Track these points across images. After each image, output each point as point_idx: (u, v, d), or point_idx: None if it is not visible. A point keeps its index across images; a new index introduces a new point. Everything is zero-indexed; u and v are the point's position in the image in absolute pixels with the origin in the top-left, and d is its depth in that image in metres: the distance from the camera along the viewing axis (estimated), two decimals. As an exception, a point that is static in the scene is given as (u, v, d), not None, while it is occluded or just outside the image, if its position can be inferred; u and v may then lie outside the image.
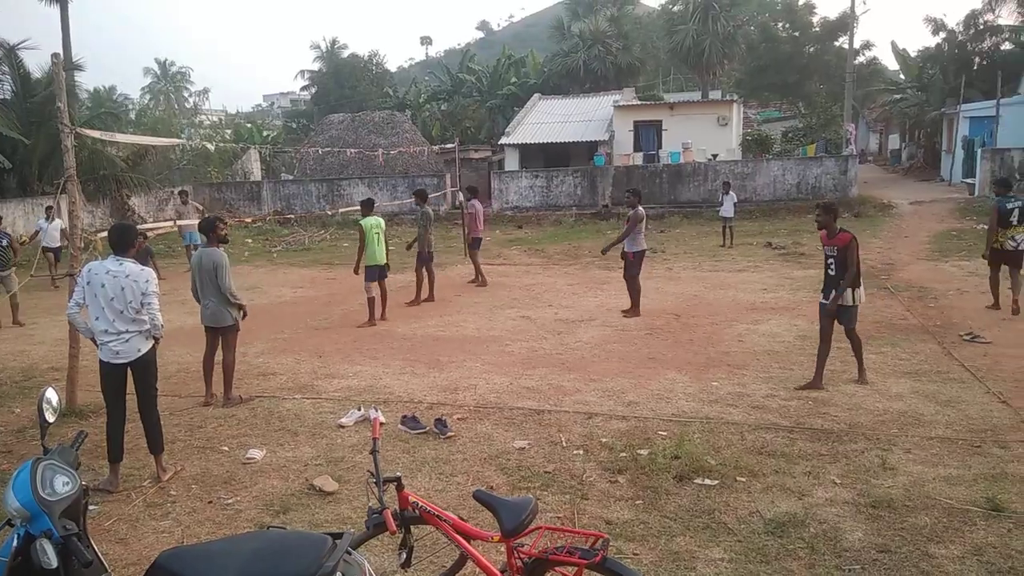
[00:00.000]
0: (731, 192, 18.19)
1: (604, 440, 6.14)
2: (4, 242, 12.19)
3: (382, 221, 11.51)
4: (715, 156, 25.94)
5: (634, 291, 11.18)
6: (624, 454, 5.81)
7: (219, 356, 7.61)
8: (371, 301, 11.06)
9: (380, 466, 3.39)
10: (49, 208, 16.35)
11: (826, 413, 6.66)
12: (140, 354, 5.54)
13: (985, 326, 9.46)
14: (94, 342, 5.60)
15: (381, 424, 6.45)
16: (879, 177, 33.00)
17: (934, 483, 5.20)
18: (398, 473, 3.57)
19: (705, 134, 27.04)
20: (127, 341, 5.47)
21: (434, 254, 12.85)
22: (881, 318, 10.28)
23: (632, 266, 11.15)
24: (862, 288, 7.48)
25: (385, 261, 11.27)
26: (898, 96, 37.97)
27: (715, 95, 37.98)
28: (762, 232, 19.43)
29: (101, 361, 5.55)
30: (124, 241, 5.58)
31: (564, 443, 6.11)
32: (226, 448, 6.31)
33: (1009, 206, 10.14)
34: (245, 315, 7.62)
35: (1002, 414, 6.51)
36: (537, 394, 7.47)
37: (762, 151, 26.86)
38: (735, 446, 5.94)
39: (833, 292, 7.37)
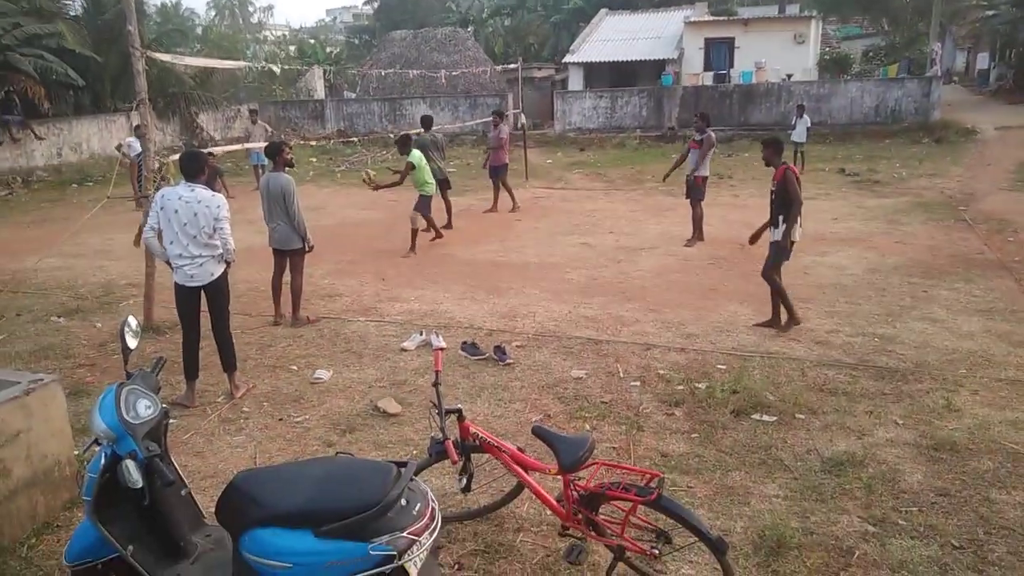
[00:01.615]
0: (805, 115, 17.46)
1: (662, 372, 6.17)
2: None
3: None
4: (790, 76, 24.84)
5: (698, 217, 11.02)
6: (681, 387, 5.84)
7: (288, 277, 7.84)
8: (414, 231, 10.86)
9: (442, 399, 3.50)
10: (138, 127, 16.65)
11: (892, 351, 6.53)
12: (213, 278, 5.74)
13: (1069, 263, 9.04)
14: (169, 265, 5.81)
15: (443, 351, 6.64)
16: (964, 99, 31.18)
17: (1000, 427, 5.10)
18: (459, 405, 3.67)
19: (780, 52, 25.83)
20: (201, 265, 5.66)
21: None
22: (956, 251, 9.91)
23: (699, 191, 10.95)
24: (797, 225, 7.15)
25: (437, 181, 11.47)
26: (990, 12, 35.42)
27: (792, 10, 36.03)
28: (835, 157, 18.70)
29: (176, 284, 5.78)
30: (194, 167, 5.71)
31: (622, 374, 6.16)
32: (295, 367, 6.56)
33: None
34: (311, 248, 7.75)
35: (1079, 358, 6.29)
36: (596, 323, 7.51)
37: (840, 71, 25.60)
38: (795, 382, 5.90)
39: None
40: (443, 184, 12.26)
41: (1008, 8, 33.08)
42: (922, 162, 17.58)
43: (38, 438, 4.20)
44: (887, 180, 15.58)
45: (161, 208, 5.66)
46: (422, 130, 12.69)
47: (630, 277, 9.33)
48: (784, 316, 7.22)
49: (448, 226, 12.25)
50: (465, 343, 6.75)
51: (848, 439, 4.97)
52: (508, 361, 6.41)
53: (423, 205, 10.92)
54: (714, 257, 10.06)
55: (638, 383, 5.98)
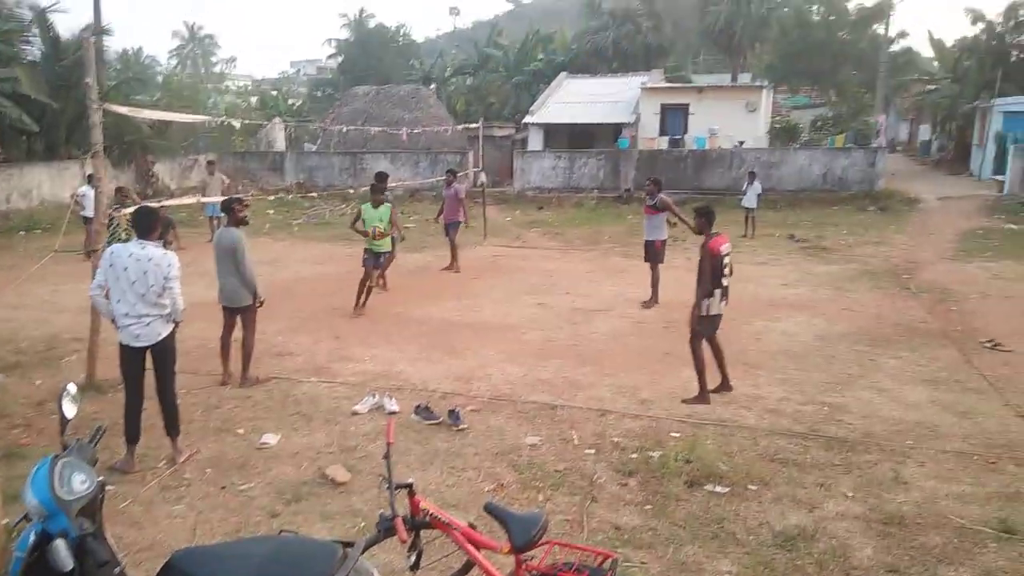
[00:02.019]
0: (756, 182, 17.98)
1: (616, 439, 6.16)
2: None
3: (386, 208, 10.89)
4: (742, 143, 25.63)
5: (656, 280, 11.19)
6: (636, 455, 5.82)
7: (239, 335, 7.68)
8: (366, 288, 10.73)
9: (392, 472, 3.42)
10: (91, 176, 16.31)
11: (841, 420, 6.63)
12: (160, 338, 5.60)
13: (1007, 333, 9.33)
14: (115, 324, 5.66)
15: (395, 414, 6.54)
16: (907, 169, 32.47)
17: (947, 500, 5.17)
18: (410, 480, 3.59)
19: (732, 119, 26.69)
20: (148, 325, 5.53)
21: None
22: (901, 320, 10.18)
23: (658, 254, 11.13)
24: (715, 299, 7.03)
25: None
26: (931, 87, 37.24)
27: (744, 79, 37.52)
28: (785, 223, 19.21)
29: (121, 344, 5.62)
30: (147, 225, 5.62)
31: (576, 441, 6.13)
32: (241, 431, 6.39)
33: None
34: (261, 304, 7.64)
35: (1020, 429, 6.45)
36: (551, 387, 7.49)
37: (790, 139, 26.50)
38: (748, 452, 5.93)
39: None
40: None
41: (947, 84, 34.82)
42: (868, 230, 18.16)
43: (-37, 507, 3.98)
44: (834, 247, 16.02)
45: (110, 265, 5.54)
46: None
47: (586, 339, 9.36)
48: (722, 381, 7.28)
49: (381, 285, 11.72)
50: (419, 407, 6.67)
51: (799, 512, 4.99)
52: (462, 426, 6.34)
53: (370, 261, 10.76)
54: (669, 320, 10.15)
55: (593, 451, 5.95)
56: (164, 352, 5.70)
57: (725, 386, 7.28)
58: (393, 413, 6.63)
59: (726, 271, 7.10)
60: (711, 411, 6.84)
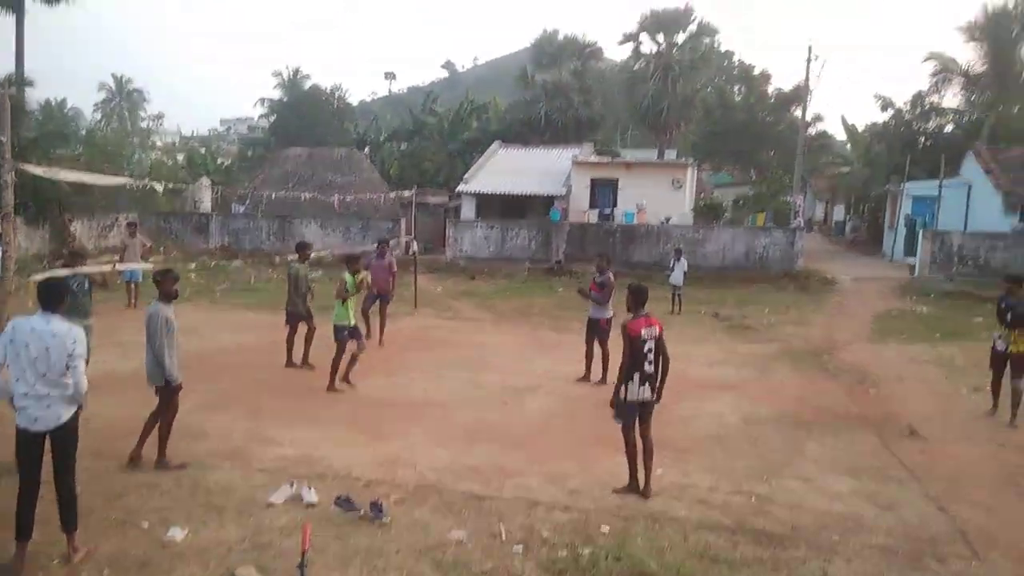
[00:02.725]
0: (682, 259, 18.40)
1: (545, 535, 5.98)
2: (86, 285, 9.76)
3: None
4: (668, 219, 26.35)
5: (590, 357, 11.26)
6: (565, 553, 5.65)
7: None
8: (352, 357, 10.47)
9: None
10: None
11: (768, 512, 6.62)
12: (60, 421, 5.23)
13: (923, 419, 9.60)
14: (12, 405, 5.26)
15: (313, 505, 6.21)
16: (823, 248, 33.88)
17: (873, 600, 5.15)
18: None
19: (659, 195, 27.50)
20: (48, 407, 5.16)
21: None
22: (822, 403, 10.38)
23: (604, 333, 11.12)
24: (632, 383, 6.82)
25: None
26: (845, 169, 39.30)
27: (671, 155, 38.84)
28: (710, 301, 19.64)
29: (17, 427, 5.22)
30: (53, 298, 5.29)
31: (504, 536, 5.92)
32: (146, 524, 5.95)
33: (1003, 305, 9.79)
34: (177, 387, 7.26)
35: (940, 522, 6.55)
36: (479, 475, 7.28)
37: (714, 217, 27.39)
38: (678, 548, 5.83)
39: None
40: (301, 317, 11.61)
41: (860, 167, 36.80)
42: (789, 309, 18.72)
43: None
44: (757, 326, 16.41)
45: (11, 340, 5.18)
46: (295, 256, 12.03)
47: (516, 420, 9.22)
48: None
49: (304, 363, 11.58)
50: (339, 497, 6.36)
51: (730, 616, 4.89)
52: (384, 520, 6.06)
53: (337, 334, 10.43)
54: (600, 401, 10.01)
55: (520, 547, 5.75)
56: (65, 437, 5.31)
57: (644, 490, 6.84)
58: (311, 505, 6.31)
59: (649, 355, 6.85)
60: (642, 502, 6.74)
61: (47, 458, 5.35)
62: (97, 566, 5.28)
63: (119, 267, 12.87)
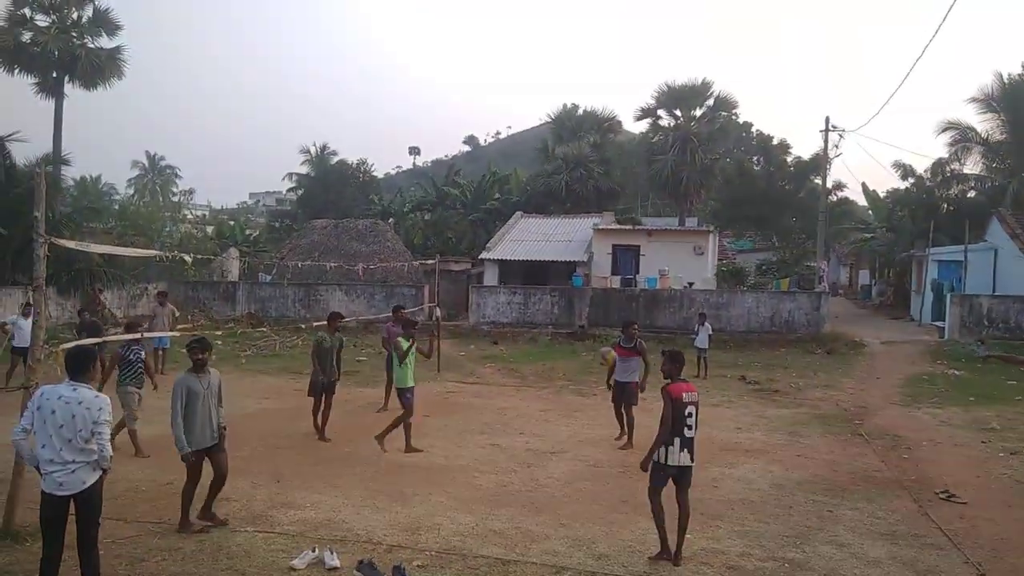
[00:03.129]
0: (706, 323, 18.31)
1: (571, 600, 5.81)
2: (141, 355, 10.37)
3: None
4: (691, 284, 26.34)
5: (620, 416, 11.28)
6: (592, 619, 5.48)
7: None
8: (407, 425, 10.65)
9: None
10: (27, 305, 15.76)
11: (803, 578, 6.39)
12: (85, 486, 5.23)
13: (959, 483, 9.32)
14: (38, 471, 5.29)
15: (335, 569, 6.12)
16: (850, 312, 33.57)
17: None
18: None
19: (681, 261, 27.57)
20: (73, 472, 5.17)
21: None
22: (855, 468, 10.12)
23: (634, 396, 11.16)
24: (673, 447, 6.67)
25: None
26: (868, 235, 39.22)
27: (692, 222, 39.03)
28: (736, 364, 19.44)
29: (43, 492, 5.23)
30: (81, 365, 5.37)
31: (529, 602, 5.77)
32: (167, 588, 5.89)
33: None
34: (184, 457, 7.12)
35: (983, 589, 6.29)
36: (503, 539, 7.14)
37: (737, 282, 27.31)
38: (709, 614, 5.63)
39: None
40: (329, 387, 11.38)
41: (883, 232, 36.72)
42: (816, 373, 18.44)
43: None
44: (785, 390, 16.16)
45: (38, 408, 5.24)
46: (324, 333, 11.61)
47: (540, 484, 9.07)
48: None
49: (320, 435, 11.17)
50: (362, 562, 6.25)
51: None
52: (408, 584, 5.94)
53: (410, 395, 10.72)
54: (625, 465, 9.92)
55: (546, 614, 5.59)
56: (89, 501, 5.31)
57: (675, 556, 6.60)
58: (334, 569, 6.20)
59: (689, 420, 6.75)
60: (672, 568, 6.55)
61: (71, 521, 5.34)
62: (117, 630, 5.20)
63: (147, 335, 13.00)
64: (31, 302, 15.13)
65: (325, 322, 11.99)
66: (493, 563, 6.53)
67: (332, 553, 6.44)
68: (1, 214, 21.09)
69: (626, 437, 11.12)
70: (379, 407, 13.38)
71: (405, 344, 10.67)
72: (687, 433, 6.71)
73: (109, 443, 5.31)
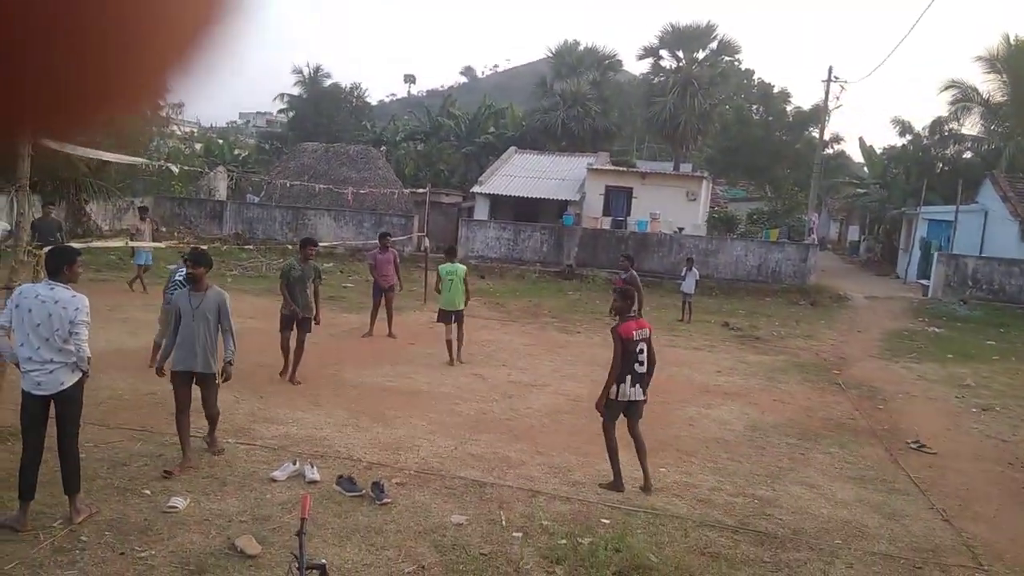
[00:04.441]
0: (694, 268, 18.35)
1: (545, 523, 5.94)
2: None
3: (460, 268, 11.91)
4: (681, 229, 26.30)
5: None
6: (564, 541, 5.61)
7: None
8: (448, 343, 11.51)
9: (305, 550, 3.18)
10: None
11: (771, 515, 6.55)
12: (63, 387, 5.23)
13: (931, 435, 9.52)
14: (18, 367, 5.29)
15: (315, 483, 6.21)
16: (837, 266, 33.75)
17: (874, 604, 5.09)
18: (323, 560, 3.35)
19: (673, 206, 27.46)
20: (51, 372, 5.16)
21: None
22: (830, 415, 10.30)
23: None
24: (624, 384, 6.78)
25: (456, 307, 11.62)
26: (861, 191, 39.18)
27: (686, 168, 38.76)
28: (720, 311, 19.59)
29: (22, 391, 5.23)
30: (57, 265, 5.31)
31: (504, 522, 5.89)
32: (148, 492, 5.96)
33: None
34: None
35: (944, 534, 6.47)
36: (481, 463, 7.26)
37: (727, 230, 27.32)
38: (678, 543, 5.78)
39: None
40: (301, 323, 9.96)
41: (876, 189, 36.68)
42: (799, 323, 18.62)
43: None
44: (767, 337, 16.33)
45: (16, 306, 5.20)
46: (294, 260, 10.40)
47: (520, 414, 9.19)
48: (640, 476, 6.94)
49: (291, 373, 9.87)
50: (341, 477, 6.34)
51: (729, 610, 4.84)
52: (385, 500, 6.03)
53: (440, 316, 11.70)
54: (604, 401, 10.06)
55: (520, 534, 5.71)
56: (67, 402, 5.32)
57: (644, 486, 6.82)
58: (313, 482, 6.29)
59: (640, 356, 6.84)
60: (644, 498, 6.70)
61: (52, 424, 5.36)
62: (98, 529, 5.28)
63: (132, 244, 12.91)
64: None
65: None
66: (470, 484, 6.65)
67: (312, 467, 6.52)
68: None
69: None
70: (364, 332, 13.42)
71: (447, 268, 11.62)
72: (638, 369, 6.83)
73: (86, 344, 5.27)
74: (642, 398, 6.95)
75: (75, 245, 8.65)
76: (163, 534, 5.26)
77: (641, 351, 6.84)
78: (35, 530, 5.17)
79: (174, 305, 6.91)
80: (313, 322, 10.16)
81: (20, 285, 5.64)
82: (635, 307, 7.23)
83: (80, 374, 5.35)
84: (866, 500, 7.13)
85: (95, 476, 6.09)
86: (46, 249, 6.30)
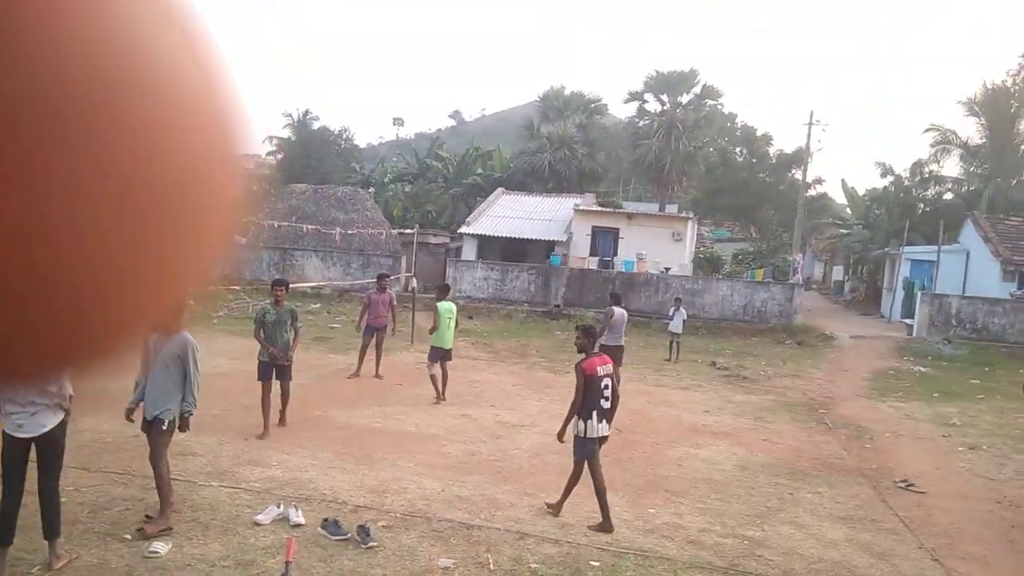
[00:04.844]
0: (681, 308, 18.44)
1: (534, 566, 5.87)
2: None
3: (454, 307, 12.48)
4: (668, 269, 26.46)
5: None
6: (553, 585, 5.54)
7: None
8: (432, 379, 11.76)
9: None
10: None
11: (761, 556, 6.51)
12: (45, 429, 5.16)
13: (919, 474, 9.52)
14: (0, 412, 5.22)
15: (300, 526, 6.12)
16: (822, 306, 33.98)
17: (866, 646, 5.04)
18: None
19: (659, 246, 27.65)
20: (32, 415, 5.10)
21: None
22: (819, 454, 10.29)
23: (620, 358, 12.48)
24: (592, 421, 6.80)
25: (450, 346, 12.02)
26: (844, 231, 39.64)
27: (672, 209, 39.17)
28: (708, 350, 19.64)
29: (3, 434, 5.16)
30: None
31: (492, 566, 5.82)
32: (129, 536, 5.85)
33: None
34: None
35: (934, 573, 6.45)
36: (469, 505, 7.18)
37: (713, 269, 27.50)
38: (668, 586, 5.72)
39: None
40: (281, 371, 9.47)
41: (859, 229, 37.13)
42: (786, 362, 18.68)
43: None
44: (754, 377, 16.36)
45: None
46: (268, 304, 9.77)
47: (508, 455, 9.12)
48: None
49: (280, 421, 9.55)
50: (326, 520, 6.25)
51: (720, 654, 4.77)
52: (371, 544, 5.95)
53: (432, 355, 11.83)
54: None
55: (508, 577, 5.64)
56: (50, 445, 5.25)
57: (604, 524, 6.74)
58: (298, 525, 6.21)
59: (605, 392, 6.94)
60: (633, 539, 6.64)
61: (33, 467, 5.28)
62: (78, 575, 5.17)
63: None
64: None
65: (307, 283, 11.83)
66: (457, 527, 6.57)
67: (297, 510, 6.43)
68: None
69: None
70: (351, 373, 13.35)
71: (444, 305, 11.99)
72: (603, 404, 6.93)
73: (69, 383, 5.22)
74: (607, 432, 7.06)
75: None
76: (144, 580, 5.16)
77: (606, 386, 6.96)
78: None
79: (144, 347, 6.63)
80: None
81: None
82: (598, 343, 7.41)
83: (63, 414, 5.29)
84: (855, 539, 7.09)
85: (75, 520, 5.98)
86: None
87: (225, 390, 11.29)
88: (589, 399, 6.82)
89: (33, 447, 5.23)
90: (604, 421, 6.93)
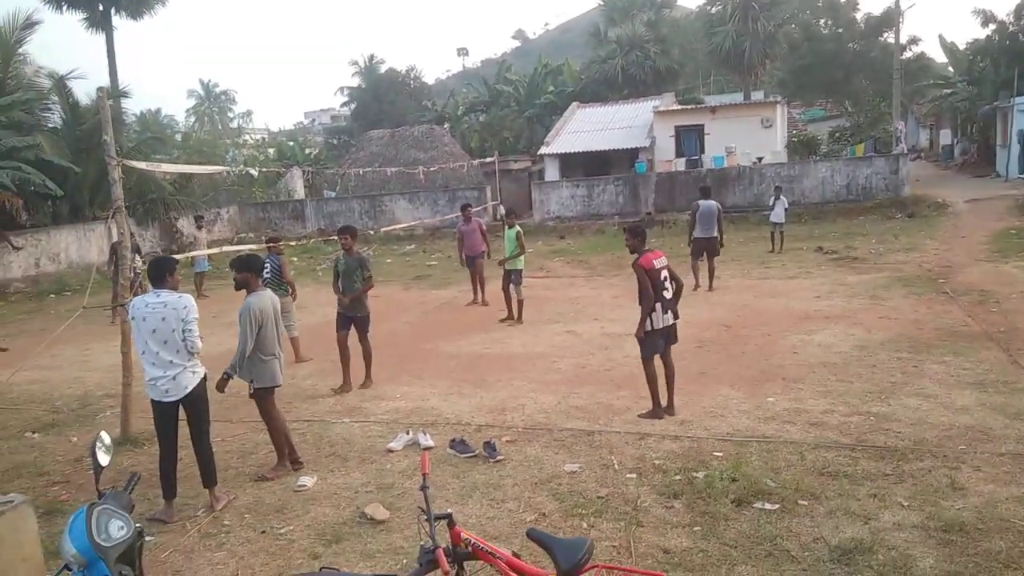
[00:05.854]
0: (782, 196, 17.81)
1: (657, 462, 6.00)
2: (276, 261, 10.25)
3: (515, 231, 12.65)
4: (760, 159, 25.50)
5: (697, 270, 13.61)
6: (679, 477, 5.66)
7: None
8: (509, 300, 12.24)
9: (431, 503, 3.33)
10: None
11: (889, 429, 6.41)
12: (188, 391, 5.57)
13: (1053, 331, 9.05)
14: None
15: (430, 449, 6.44)
16: (932, 174, 32.09)
17: (1007, 504, 4.95)
18: (449, 510, 3.48)
19: (749, 137, 26.58)
20: (174, 379, 5.49)
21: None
22: (941, 324, 9.92)
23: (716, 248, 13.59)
24: (656, 314, 6.98)
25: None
26: (948, 91, 36.90)
27: (757, 96, 37.42)
28: (812, 236, 18.99)
29: (152, 400, 5.60)
30: (158, 272, 5.63)
31: (616, 466, 5.98)
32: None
33: None
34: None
35: (1078, 428, 6.19)
36: (586, 413, 7.36)
37: (809, 152, 26.31)
38: (795, 467, 5.74)
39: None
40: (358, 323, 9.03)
41: (964, 86, 34.52)
42: (897, 237, 17.88)
43: (6, 565, 3.94)
44: (865, 256, 15.76)
45: (132, 318, 5.57)
46: (341, 253, 9.13)
47: (618, 364, 9.22)
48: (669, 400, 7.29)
49: (365, 383, 8.94)
50: (454, 440, 6.56)
51: (854, 525, 4.79)
52: (499, 458, 6.21)
53: (515, 278, 12.14)
54: (700, 340, 9.99)
55: (634, 475, 5.79)
56: (195, 404, 5.67)
57: (668, 408, 7.16)
58: (428, 448, 6.53)
59: (665, 283, 7.06)
60: (754, 428, 6.66)
61: (184, 427, 5.73)
62: (238, 513, 5.65)
63: (191, 254, 13.61)
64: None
65: (399, 224, 12.22)
66: (578, 434, 6.76)
67: (425, 434, 6.77)
68: (72, 152, 21.77)
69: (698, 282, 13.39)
70: (468, 302, 13.80)
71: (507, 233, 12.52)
72: (666, 295, 7.06)
73: (198, 339, 5.58)
74: (674, 322, 7.19)
75: (165, 255, 9.15)
76: (297, 511, 5.59)
77: (665, 278, 7.08)
78: (182, 521, 5.58)
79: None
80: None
81: (131, 300, 6.00)
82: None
83: (202, 374, 5.69)
84: (988, 403, 6.87)
85: (227, 467, 6.50)
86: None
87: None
88: (653, 292, 6.96)
89: (181, 409, 5.66)
90: (669, 311, 7.08)
